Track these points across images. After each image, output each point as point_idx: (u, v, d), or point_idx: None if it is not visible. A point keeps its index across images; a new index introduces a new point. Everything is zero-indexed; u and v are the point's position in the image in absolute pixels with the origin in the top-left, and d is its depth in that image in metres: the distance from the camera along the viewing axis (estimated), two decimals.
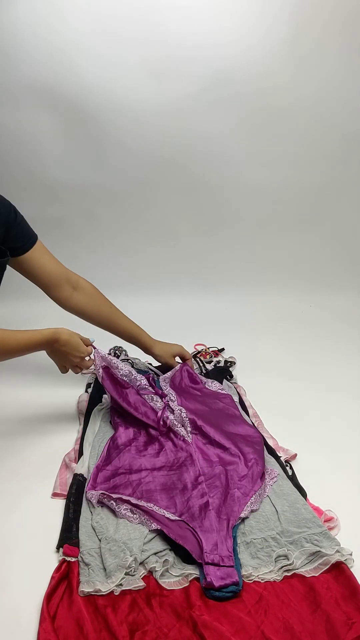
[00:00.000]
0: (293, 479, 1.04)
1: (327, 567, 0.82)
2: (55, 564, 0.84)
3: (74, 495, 0.98)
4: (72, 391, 1.42)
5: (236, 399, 1.36)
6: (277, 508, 0.94)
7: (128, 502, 0.95)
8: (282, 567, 0.82)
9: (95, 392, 1.38)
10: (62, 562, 0.84)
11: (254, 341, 1.78)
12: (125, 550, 0.84)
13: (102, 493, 0.96)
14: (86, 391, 1.41)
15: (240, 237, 2.18)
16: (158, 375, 1.42)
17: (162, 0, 1.79)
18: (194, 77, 1.88)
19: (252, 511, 0.94)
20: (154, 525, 0.90)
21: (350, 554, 0.83)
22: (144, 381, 1.26)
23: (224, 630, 0.71)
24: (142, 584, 0.79)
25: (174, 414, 1.20)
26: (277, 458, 1.10)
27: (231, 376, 1.51)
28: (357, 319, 1.99)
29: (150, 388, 1.26)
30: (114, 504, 0.95)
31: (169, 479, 1.03)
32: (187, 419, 1.18)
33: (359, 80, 1.94)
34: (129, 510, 0.94)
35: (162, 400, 1.23)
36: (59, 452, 1.14)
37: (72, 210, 2.06)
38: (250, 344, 1.74)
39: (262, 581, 0.81)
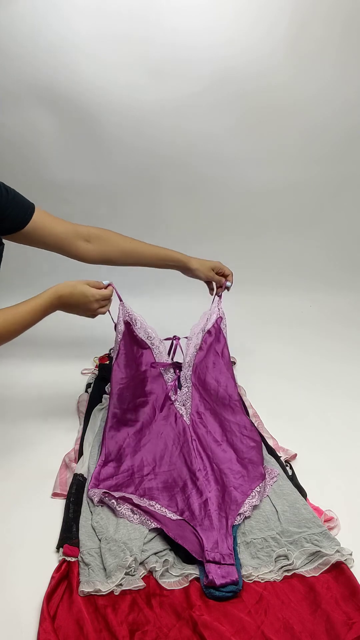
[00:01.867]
0: (293, 479, 1.04)
1: (327, 567, 0.82)
2: (55, 564, 0.84)
3: (74, 495, 0.98)
4: (72, 391, 1.42)
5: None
6: (277, 508, 0.94)
7: (130, 501, 0.95)
8: (282, 567, 0.82)
9: (96, 392, 1.38)
10: (62, 562, 0.84)
11: (253, 341, 1.78)
12: (125, 550, 0.84)
13: (104, 492, 0.97)
14: (86, 391, 1.41)
15: (240, 237, 2.18)
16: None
17: (162, 0, 1.79)
18: (194, 76, 1.88)
19: (252, 507, 0.94)
20: (154, 524, 0.90)
21: (350, 554, 0.83)
22: (163, 348, 1.22)
23: (224, 630, 0.71)
24: (142, 584, 0.79)
25: (181, 389, 1.19)
26: (277, 458, 1.10)
27: None
28: (358, 319, 1.99)
29: (167, 357, 1.22)
30: (115, 503, 0.95)
31: (169, 475, 1.04)
32: (188, 401, 1.18)
33: (358, 79, 1.94)
34: (129, 510, 0.94)
35: (175, 373, 1.21)
36: (59, 452, 1.14)
37: (72, 209, 2.05)
38: (250, 344, 1.74)
39: (262, 581, 0.81)
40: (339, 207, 2.16)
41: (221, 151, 2.02)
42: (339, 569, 0.81)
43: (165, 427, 1.15)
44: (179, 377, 1.23)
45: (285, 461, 1.10)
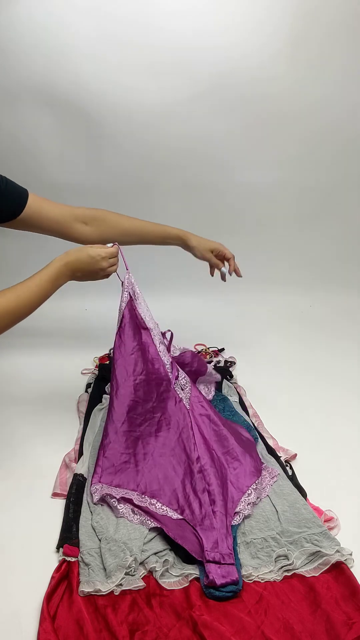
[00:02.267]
0: (293, 479, 1.04)
1: (327, 567, 0.82)
2: (55, 564, 0.84)
3: (74, 495, 0.98)
4: (72, 391, 1.42)
5: (236, 399, 1.36)
6: (277, 508, 0.94)
7: (131, 501, 0.95)
8: (282, 567, 0.82)
9: (96, 392, 1.38)
10: (62, 562, 0.84)
11: (254, 341, 1.77)
12: (125, 550, 0.84)
13: (106, 493, 0.97)
14: (86, 391, 1.41)
15: (240, 239, 2.18)
16: None
17: (163, 3, 1.79)
18: (194, 79, 1.88)
19: (250, 505, 0.94)
20: (154, 524, 0.91)
21: (350, 554, 0.83)
22: (158, 332, 1.17)
23: (224, 630, 0.71)
24: (142, 584, 0.79)
25: (177, 379, 1.17)
26: (277, 458, 1.10)
27: (231, 376, 1.50)
28: (358, 319, 1.99)
29: (162, 343, 1.19)
30: (116, 502, 0.95)
31: (169, 462, 1.03)
32: (188, 385, 1.16)
33: None
34: (130, 510, 0.94)
35: (171, 359, 1.18)
36: (59, 452, 1.14)
37: None
38: (250, 343, 1.74)
39: (262, 581, 0.81)
40: (339, 208, 2.15)
41: (221, 154, 2.01)
42: (339, 569, 0.81)
43: (166, 409, 1.12)
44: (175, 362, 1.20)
45: (285, 461, 1.10)
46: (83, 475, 1.04)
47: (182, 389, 1.16)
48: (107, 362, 1.56)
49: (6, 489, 1.03)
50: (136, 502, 0.95)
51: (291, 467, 1.08)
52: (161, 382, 1.12)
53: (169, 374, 1.14)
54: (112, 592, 0.78)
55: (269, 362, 1.63)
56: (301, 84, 1.92)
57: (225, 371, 1.52)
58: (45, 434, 1.23)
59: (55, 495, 1.02)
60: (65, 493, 1.01)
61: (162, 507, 0.94)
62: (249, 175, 2.06)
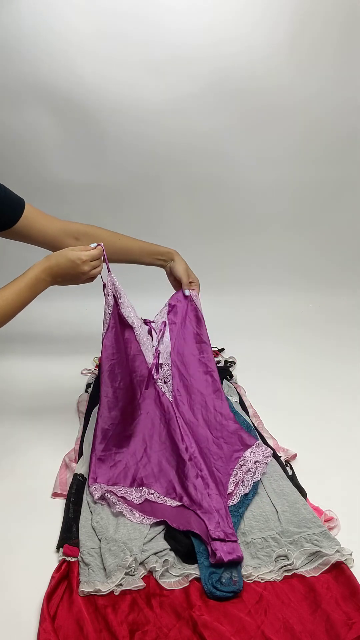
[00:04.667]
0: (293, 479, 1.04)
1: (327, 567, 0.82)
2: (55, 564, 0.84)
3: (74, 495, 0.98)
4: (72, 391, 1.42)
5: (236, 398, 1.36)
6: (277, 508, 0.94)
7: (131, 503, 0.96)
8: (282, 567, 0.82)
9: (95, 392, 1.37)
10: (62, 562, 0.84)
11: (254, 341, 1.77)
12: (125, 550, 0.84)
13: (106, 490, 0.98)
14: (86, 391, 1.41)
15: (241, 237, 2.18)
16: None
17: (164, 3, 1.79)
18: (194, 76, 1.88)
19: (238, 484, 0.99)
20: (154, 521, 0.92)
21: (350, 554, 0.83)
22: (143, 328, 1.19)
23: (224, 630, 0.71)
24: (142, 584, 0.79)
25: (162, 367, 1.19)
26: (277, 458, 1.10)
27: (231, 376, 1.50)
28: (358, 319, 1.99)
29: (148, 338, 1.21)
30: (115, 499, 0.96)
31: (162, 455, 1.06)
32: (170, 377, 1.19)
33: (358, 79, 1.94)
34: (129, 510, 0.94)
35: (155, 353, 1.20)
36: (59, 452, 1.14)
37: (73, 209, 2.05)
38: (250, 344, 1.74)
39: (262, 581, 0.81)
40: (339, 207, 2.15)
41: (221, 151, 2.01)
42: (339, 569, 0.81)
43: (150, 405, 1.15)
44: (158, 355, 1.21)
45: (285, 461, 1.10)
46: (83, 475, 1.04)
47: (165, 382, 1.18)
48: None
49: (6, 489, 1.03)
50: (136, 502, 0.96)
51: (291, 467, 1.08)
52: (144, 379, 1.15)
53: (153, 368, 1.16)
54: (112, 592, 0.78)
55: (268, 362, 1.63)
56: (301, 80, 1.92)
57: (225, 371, 1.52)
58: (45, 433, 1.23)
59: (55, 495, 1.02)
60: (65, 493, 1.01)
61: (161, 498, 0.97)
62: (250, 173, 2.06)
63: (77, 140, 1.96)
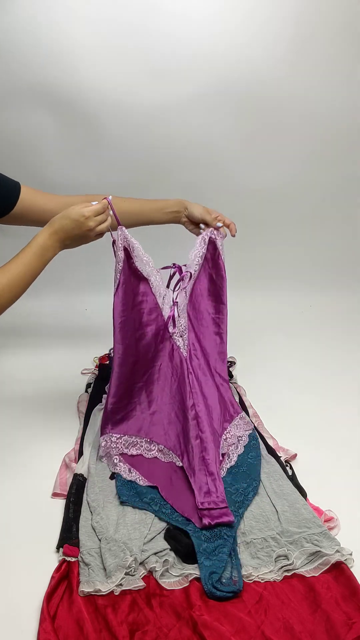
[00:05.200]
0: (293, 479, 1.04)
1: (327, 567, 0.82)
2: (55, 564, 0.84)
3: (74, 495, 0.98)
4: (72, 391, 1.42)
5: (236, 398, 1.36)
6: (277, 508, 0.94)
7: (129, 459, 1.00)
8: (282, 567, 0.82)
9: (95, 392, 1.38)
10: (62, 562, 0.84)
11: (254, 341, 1.78)
12: (125, 550, 0.84)
13: (114, 442, 1.03)
14: (86, 391, 1.41)
15: (240, 237, 2.17)
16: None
17: (163, 5, 1.79)
18: (194, 81, 1.88)
19: (233, 446, 1.04)
20: (147, 483, 0.97)
21: (350, 554, 0.83)
22: (160, 279, 1.15)
23: (224, 630, 0.71)
24: (142, 584, 0.79)
25: (178, 321, 1.16)
26: (277, 458, 1.10)
27: (231, 376, 1.50)
28: (358, 319, 1.99)
29: (164, 289, 1.17)
30: (118, 459, 1.00)
31: (172, 409, 1.09)
32: (185, 332, 1.17)
33: (358, 83, 1.95)
34: (127, 469, 0.97)
35: (172, 305, 1.16)
36: (59, 452, 1.14)
37: None
38: (250, 344, 1.74)
39: (262, 581, 0.81)
40: (339, 207, 2.16)
41: (221, 154, 2.02)
42: (339, 569, 0.81)
43: (164, 359, 1.15)
44: (176, 308, 1.18)
45: (285, 461, 1.10)
46: (83, 475, 1.04)
47: (181, 336, 1.16)
48: (107, 362, 1.56)
49: (6, 489, 1.03)
50: (146, 456, 1.02)
51: (291, 467, 1.08)
52: (159, 332, 1.13)
53: (170, 322, 1.13)
54: (112, 592, 0.78)
55: (269, 362, 1.63)
56: (302, 86, 1.92)
57: None
58: (45, 434, 1.23)
59: (55, 495, 1.02)
60: (65, 493, 1.01)
61: (168, 452, 1.02)
62: (249, 177, 2.07)
63: (76, 143, 1.97)
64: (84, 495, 0.99)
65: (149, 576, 0.82)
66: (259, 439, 1.16)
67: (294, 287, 2.16)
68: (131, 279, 1.10)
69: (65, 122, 1.92)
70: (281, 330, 1.89)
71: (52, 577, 0.80)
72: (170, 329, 1.15)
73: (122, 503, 0.96)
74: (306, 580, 0.80)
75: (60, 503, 0.99)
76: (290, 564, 0.82)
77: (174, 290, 1.19)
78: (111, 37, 1.81)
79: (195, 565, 0.83)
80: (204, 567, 0.81)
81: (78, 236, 0.99)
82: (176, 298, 1.17)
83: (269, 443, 1.16)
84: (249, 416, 1.27)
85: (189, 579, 0.81)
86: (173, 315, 1.16)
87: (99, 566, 0.82)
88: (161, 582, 0.80)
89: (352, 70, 1.93)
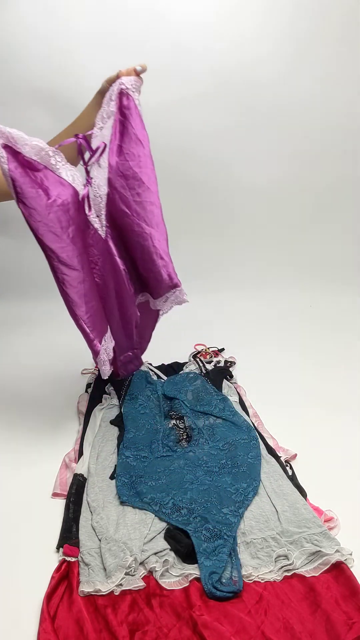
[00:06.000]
0: (293, 479, 1.04)
1: (327, 567, 0.82)
2: (55, 564, 0.84)
3: (74, 495, 0.98)
4: (72, 391, 1.42)
5: (236, 398, 1.36)
6: (277, 508, 0.94)
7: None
8: (282, 567, 0.82)
9: (95, 392, 1.37)
10: (62, 562, 0.84)
11: (254, 341, 1.77)
12: (125, 550, 0.84)
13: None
14: (86, 391, 1.41)
15: (240, 237, 2.19)
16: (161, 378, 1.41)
17: (164, 4, 1.79)
18: (194, 79, 1.89)
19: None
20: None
21: (350, 554, 0.83)
22: (61, 157, 0.99)
23: (224, 630, 0.71)
24: (142, 584, 0.80)
25: (94, 200, 1.04)
26: (277, 458, 1.10)
27: (231, 376, 1.50)
28: (358, 319, 1.99)
29: (72, 169, 1.01)
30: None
31: (98, 284, 1.12)
32: (103, 209, 1.06)
33: (357, 83, 1.95)
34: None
35: (87, 178, 1.03)
36: (59, 452, 1.14)
37: None
38: (250, 344, 1.74)
39: (262, 581, 0.81)
40: (339, 207, 2.16)
41: (222, 152, 2.02)
42: (339, 569, 0.81)
43: (87, 240, 1.05)
44: (90, 186, 1.05)
45: (285, 461, 1.10)
46: (83, 475, 1.04)
47: (98, 216, 1.06)
48: None
49: (6, 489, 1.04)
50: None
51: (291, 467, 1.08)
52: (82, 222, 1.01)
53: (85, 203, 1.00)
54: (112, 592, 0.78)
55: (268, 362, 1.63)
56: (299, 83, 1.92)
57: (225, 371, 1.52)
58: (45, 434, 1.23)
59: (55, 495, 1.02)
60: (65, 493, 1.01)
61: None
62: (249, 175, 2.07)
63: None
64: (84, 495, 0.99)
65: (149, 576, 0.82)
66: (259, 439, 1.16)
67: (294, 287, 2.16)
68: (29, 174, 0.94)
69: (65, 122, 1.92)
70: (281, 330, 1.88)
71: (52, 577, 0.81)
72: (87, 211, 1.02)
73: (122, 503, 0.96)
74: (306, 580, 0.80)
75: (60, 503, 0.99)
76: (290, 564, 0.82)
77: (86, 162, 1.05)
78: (111, 36, 1.81)
79: (195, 565, 0.83)
80: (204, 567, 0.81)
81: None
82: (88, 176, 1.03)
83: (269, 443, 1.16)
84: (249, 416, 1.28)
85: (189, 579, 0.81)
86: (87, 195, 1.02)
87: (99, 566, 0.82)
88: (161, 582, 0.80)
89: (352, 70, 1.93)
